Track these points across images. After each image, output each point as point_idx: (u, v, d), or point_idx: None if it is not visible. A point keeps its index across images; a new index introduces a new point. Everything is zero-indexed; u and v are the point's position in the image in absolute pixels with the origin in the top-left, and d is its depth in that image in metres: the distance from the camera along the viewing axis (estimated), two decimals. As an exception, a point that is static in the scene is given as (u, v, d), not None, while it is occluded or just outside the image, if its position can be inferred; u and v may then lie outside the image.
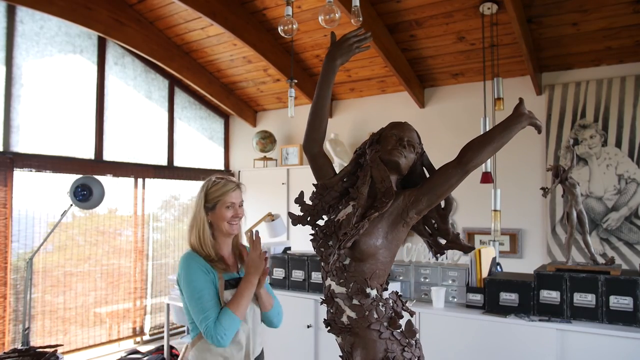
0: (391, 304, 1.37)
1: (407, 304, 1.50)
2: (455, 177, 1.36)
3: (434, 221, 1.50)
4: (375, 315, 1.32)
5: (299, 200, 1.55)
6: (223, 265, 1.67)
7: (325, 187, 1.51)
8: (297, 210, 1.57)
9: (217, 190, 1.71)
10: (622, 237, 3.71)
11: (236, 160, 6.04)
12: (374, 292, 1.34)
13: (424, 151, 1.53)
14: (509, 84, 4.07)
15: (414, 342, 1.35)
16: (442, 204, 1.47)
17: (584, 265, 2.38)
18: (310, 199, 1.53)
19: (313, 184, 1.55)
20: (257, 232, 1.73)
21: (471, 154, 1.35)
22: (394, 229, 1.37)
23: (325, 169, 1.55)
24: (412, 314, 1.46)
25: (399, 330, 1.34)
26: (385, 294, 1.40)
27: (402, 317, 1.36)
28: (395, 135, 1.46)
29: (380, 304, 1.34)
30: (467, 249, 1.48)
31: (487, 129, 3.47)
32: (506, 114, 4.39)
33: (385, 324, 1.32)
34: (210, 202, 1.70)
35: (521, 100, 1.43)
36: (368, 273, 1.34)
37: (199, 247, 1.67)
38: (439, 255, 1.53)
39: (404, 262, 2.83)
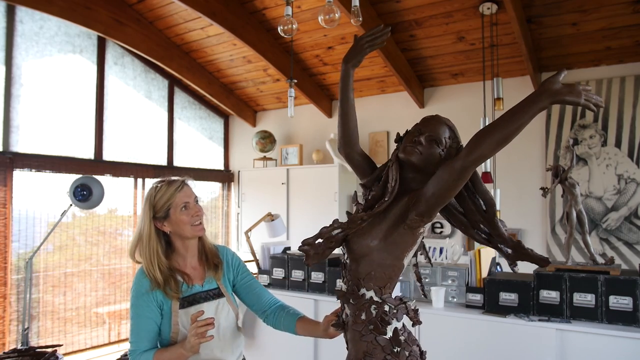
0: (386, 309, 1.31)
1: (415, 312, 1.39)
2: (452, 173, 1.20)
3: (482, 226, 1.34)
4: (363, 317, 1.31)
5: (354, 199, 1.53)
6: (173, 292, 1.50)
7: (365, 187, 1.50)
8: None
9: (164, 195, 1.53)
10: (621, 237, 3.71)
11: (236, 160, 6.04)
12: (369, 293, 1.32)
13: (461, 146, 1.39)
14: (509, 84, 4.07)
15: (406, 352, 1.28)
16: (484, 206, 1.32)
17: (584, 265, 2.38)
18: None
19: (359, 184, 1.55)
20: (202, 320, 1.43)
21: (471, 145, 1.17)
22: (394, 231, 1.31)
23: (362, 168, 1.54)
24: (415, 323, 1.39)
25: (386, 337, 1.29)
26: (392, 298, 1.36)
27: (388, 323, 1.30)
28: (417, 131, 1.39)
29: (373, 306, 1.31)
30: (539, 261, 1.24)
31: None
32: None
33: (371, 327, 1.30)
34: (161, 211, 1.52)
35: (558, 72, 1.15)
36: (362, 273, 1.33)
37: (146, 269, 1.51)
38: (513, 266, 1.31)
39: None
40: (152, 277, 1.50)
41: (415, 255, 1.46)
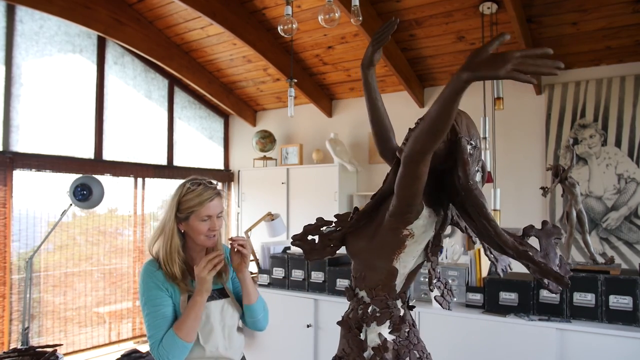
0: (369, 311, 1.29)
1: (400, 319, 1.30)
2: (399, 172, 1.14)
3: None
4: (351, 316, 1.32)
5: None
6: (187, 287, 1.51)
7: None
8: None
9: (192, 199, 1.50)
10: (621, 236, 3.72)
11: (236, 160, 6.04)
12: (362, 293, 1.31)
13: (458, 140, 1.22)
14: (509, 83, 4.07)
15: (377, 358, 1.24)
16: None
17: (584, 264, 2.38)
18: None
19: None
20: (217, 253, 1.49)
21: (407, 142, 1.11)
22: (378, 233, 1.28)
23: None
24: (393, 331, 1.30)
25: (361, 338, 1.28)
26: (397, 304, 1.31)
27: (361, 325, 1.29)
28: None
29: (361, 306, 1.30)
30: (554, 279, 1.07)
31: (487, 129, 3.49)
32: (506, 114, 4.38)
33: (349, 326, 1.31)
34: (183, 212, 1.51)
35: (491, 41, 0.97)
36: (356, 272, 1.34)
37: (162, 262, 1.51)
38: (547, 286, 1.13)
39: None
40: (170, 271, 1.50)
41: (429, 260, 1.31)
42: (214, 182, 1.61)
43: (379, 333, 1.27)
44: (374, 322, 1.27)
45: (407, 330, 1.30)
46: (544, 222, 1.22)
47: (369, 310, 1.29)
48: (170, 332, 1.44)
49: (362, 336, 1.28)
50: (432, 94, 4.69)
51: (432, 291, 1.36)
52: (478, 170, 1.28)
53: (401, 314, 1.31)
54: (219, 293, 1.61)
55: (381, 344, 1.25)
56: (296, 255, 3.13)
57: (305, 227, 1.40)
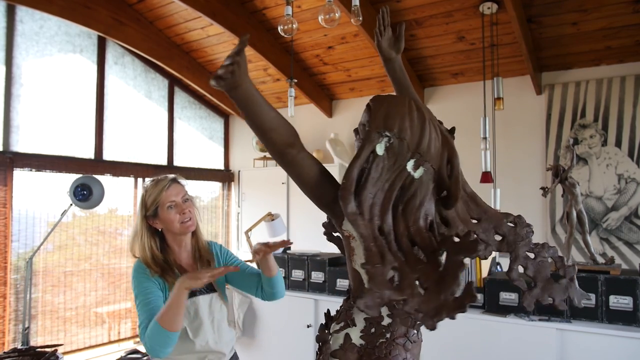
0: (342, 310, 1.26)
1: (349, 321, 1.18)
2: None
3: None
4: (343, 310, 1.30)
5: None
6: (174, 280, 1.52)
7: None
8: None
9: (152, 193, 1.58)
10: (622, 236, 3.71)
11: (236, 160, 6.04)
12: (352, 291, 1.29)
13: (364, 135, 1.13)
14: (509, 83, 4.07)
15: (323, 353, 1.22)
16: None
17: (584, 264, 2.38)
18: None
19: None
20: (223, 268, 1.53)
21: None
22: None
23: None
24: (339, 329, 1.21)
25: (325, 333, 1.28)
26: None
27: (328, 321, 1.28)
28: None
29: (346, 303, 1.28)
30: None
31: (487, 129, 3.49)
32: (506, 114, 4.38)
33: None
34: (151, 209, 1.58)
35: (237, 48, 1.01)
36: None
37: (142, 260, 1.58)
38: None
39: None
40: (151, 269, 1.55)
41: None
42: (170, 175, 1.66)
43: (343, 332, 1.18)
44: (335, 321, 1.23)
45: (381, 340, 1.14)
46: (465, 234, 1.07)
47: (341, 309, 1.27)
48: (153, 321, 1.44)
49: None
50: (432, 94, 4.69)
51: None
52: (422, 166, 1.13)
53: (383, 322, 1.16)
54: (207, 287, 1.62)
55: (345, 344, 1.16)
56: (296, 255, 3.13)
57: (322, 224, 1.40)
